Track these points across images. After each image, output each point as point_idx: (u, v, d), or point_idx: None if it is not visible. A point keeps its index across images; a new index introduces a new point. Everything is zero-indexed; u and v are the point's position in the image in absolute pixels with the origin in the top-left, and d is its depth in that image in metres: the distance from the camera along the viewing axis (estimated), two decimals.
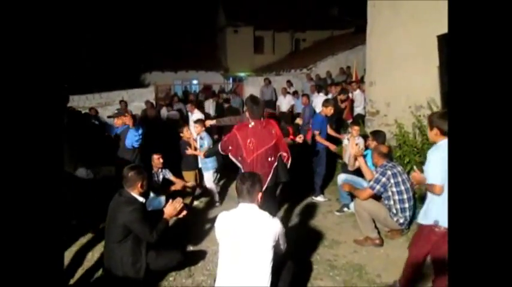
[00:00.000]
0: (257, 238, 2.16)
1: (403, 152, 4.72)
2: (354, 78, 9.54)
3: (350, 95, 7.67)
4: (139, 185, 2.83)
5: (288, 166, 3.56)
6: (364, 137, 5.07)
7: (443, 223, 2.34)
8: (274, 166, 3.40)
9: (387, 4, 6.12)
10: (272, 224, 2.22)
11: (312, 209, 4.66)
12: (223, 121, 4.86)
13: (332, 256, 3.46)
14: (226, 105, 10.24)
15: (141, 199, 2.89)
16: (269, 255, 2.17)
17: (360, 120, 6.41)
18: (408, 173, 4.37)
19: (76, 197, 3.67)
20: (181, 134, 5.04)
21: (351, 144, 4.26)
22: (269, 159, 3.36)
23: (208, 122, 4.80)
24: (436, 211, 2.42)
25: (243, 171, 3.32)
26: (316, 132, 4.93)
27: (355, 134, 4.87)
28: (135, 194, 2.85)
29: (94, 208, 3.88)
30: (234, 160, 3.48)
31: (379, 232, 3.69)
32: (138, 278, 2.79)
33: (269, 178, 3.35)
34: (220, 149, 3.54)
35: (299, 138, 3.90)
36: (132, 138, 4.20)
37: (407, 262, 2.71)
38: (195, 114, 7.27)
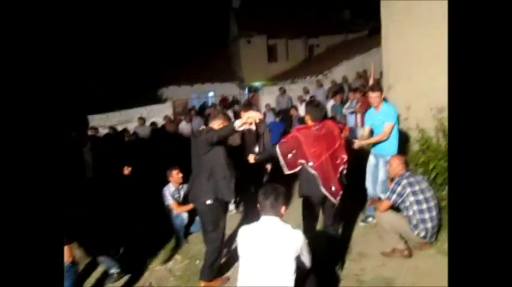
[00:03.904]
0: (279, 249, 2.13)
1: (426, 158, 4.53)
2: (371, 82, 9.37)
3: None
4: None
5: (345, 171, 3.27)
6: None
7: None
8: (341, 170, 3.17)
9: (401, 4, 5.98)
10: (294, 236, 2.19)
11: None
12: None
13: (359, 270, 3.34)
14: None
15: None
16: (291, 267, 2.13)
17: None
18: (434, 179, 4.20)
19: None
20: None
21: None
22: (337, 162, 3.14)
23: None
24: None
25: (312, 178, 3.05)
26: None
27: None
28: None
29: None
30: (289, 167, 3.09)
31: (406, 242, 3.53)
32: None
33: (338, 184, 3.11)
34: (279, 152, 3.07)
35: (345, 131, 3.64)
36: None
37: None
38: None
